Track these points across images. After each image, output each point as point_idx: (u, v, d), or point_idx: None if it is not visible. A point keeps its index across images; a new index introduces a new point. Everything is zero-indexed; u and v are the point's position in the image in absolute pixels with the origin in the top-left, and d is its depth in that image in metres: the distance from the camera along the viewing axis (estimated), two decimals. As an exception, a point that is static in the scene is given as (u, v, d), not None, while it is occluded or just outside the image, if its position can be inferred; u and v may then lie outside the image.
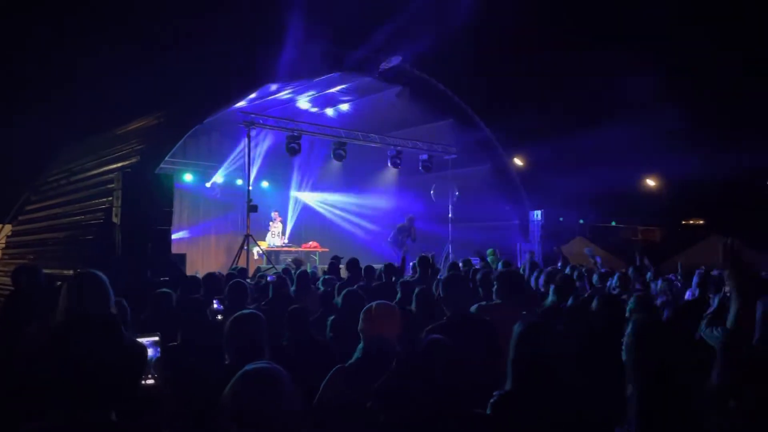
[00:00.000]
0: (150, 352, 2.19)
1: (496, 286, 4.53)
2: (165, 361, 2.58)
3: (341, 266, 9.28)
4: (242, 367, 1.97)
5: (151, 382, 2.19)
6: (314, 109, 15.49)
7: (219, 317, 4.53)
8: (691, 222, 20.61)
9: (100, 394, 1.68)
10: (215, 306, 4.62)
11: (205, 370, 2.89)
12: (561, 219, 16.66)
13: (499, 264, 8.38)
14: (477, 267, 8.55)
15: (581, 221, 17.49)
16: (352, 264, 7.86)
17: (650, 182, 17.46)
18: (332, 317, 4.50)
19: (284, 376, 1.95)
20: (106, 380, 1.68)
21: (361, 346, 3.02)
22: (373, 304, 3.15)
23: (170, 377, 2.53)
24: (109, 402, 1.70)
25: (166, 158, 10.88)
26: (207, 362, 3.04)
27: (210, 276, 6.16)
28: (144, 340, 2.10)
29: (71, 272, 7.54)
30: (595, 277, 7.76)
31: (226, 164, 15.71)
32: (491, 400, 2.60)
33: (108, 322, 1.79)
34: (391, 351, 2.97)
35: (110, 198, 9.09)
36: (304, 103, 15.01)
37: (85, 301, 2.68)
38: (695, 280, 6.74)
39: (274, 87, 12.65)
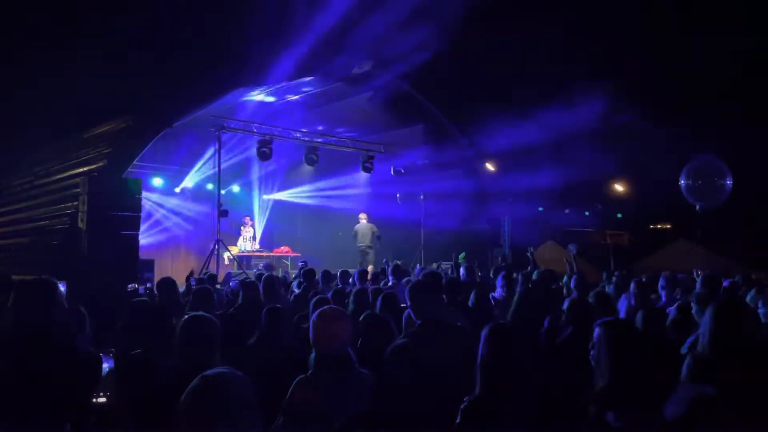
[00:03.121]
0: (104, 367, 2.13)
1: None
2: (122, 374, 2.52)
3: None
4: (191, 372, 1.93)
5: (102, 400, 2.10)
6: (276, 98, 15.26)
7: None
8: (659, 226, 20.95)
9: (52, 405, 1.63)
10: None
11: (160, 379, 2.83)
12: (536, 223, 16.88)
13: (462, 268, 8.42)
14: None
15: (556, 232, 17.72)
16: (308, 273, 7.75)
17: (619, 187, 17.73)
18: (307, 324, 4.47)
19: (243, 383, 1.92)
20: (57, 391, 1.64)
21: (313, 355, 2.96)
22: (324, 308, 3.10)
23: (125, 391, 2.46)
24: (62, 413, 1.66)
25: (135, 162, 10.72)
26: (163, 370, 2.97)
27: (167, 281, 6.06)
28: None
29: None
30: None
31: (195, 168, 15.50)
32: (461, 407, 2.59)
33: (60, 333, 1.74)
34: (344, 356, 2.95)
35: (76, 202, 8.92)
36: (274, 105, 14.94)
37: (33, 308, 2.60)
38: (661, 283, 6.80)
39: (245, 92, 12.58)
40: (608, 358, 2.71)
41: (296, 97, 13.90)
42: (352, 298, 5.12)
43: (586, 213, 18.37)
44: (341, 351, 2.94)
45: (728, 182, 9.62)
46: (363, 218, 15.53)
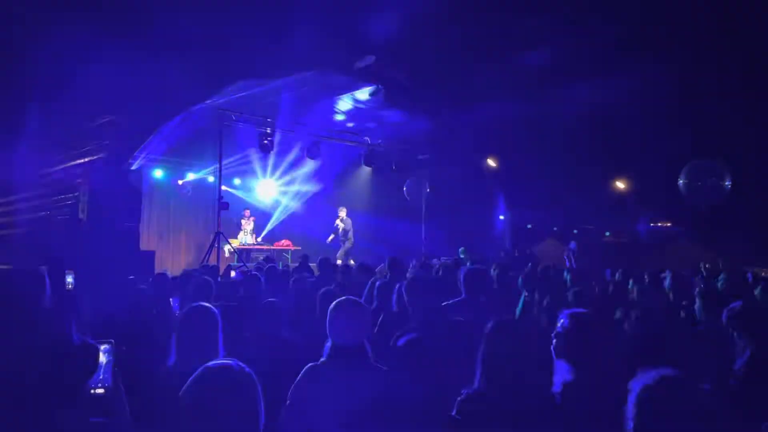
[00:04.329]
0: (102, 359, 2.11)
1: (462, 283, 4.55)
2: (117, 365, 2.50)
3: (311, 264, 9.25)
4: (191, 363, 1.91)
5: (101, 391, 2.08)
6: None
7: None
8: (659, 225, 20.95)
9: (46, 395, 1.62)
10: (173, 305, 4.50)
11: (155, 370, 2.82)
12: (529, 226, 16.93)
13: (468, 263, 8.43)
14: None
15: (555, 228, 17.78)
16: (324, 263, 7.83)
17: (620, 185, 17.70)
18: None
19: (248, 375, 1.91)
20: (50, 381, 1.62)
21: (328, 344, 2.96)
22: (342, 299, 3.10)
23: (122, 382, 2.44)
24: (57, 403, 1.65)
25: (136, 154, 10.70)
26: (157, 362, 2.96)
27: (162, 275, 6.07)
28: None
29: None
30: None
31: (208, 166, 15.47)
32: (458, 399, 2.58)
33: (53, 322, 1.73)
34: (358, 348, 2.94)
35: (77, 193, 8.90)
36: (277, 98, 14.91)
37: (20, 299, 2.57)
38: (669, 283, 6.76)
39: (246, 83, 12.54)
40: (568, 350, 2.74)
41: (300, 90, 13.87)
42: (376, 292, 5.09)
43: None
44: (356, 343, 2.92)
45: (728, 183, 9.66)
46: (344, 212, 15.45)
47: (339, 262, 10.96)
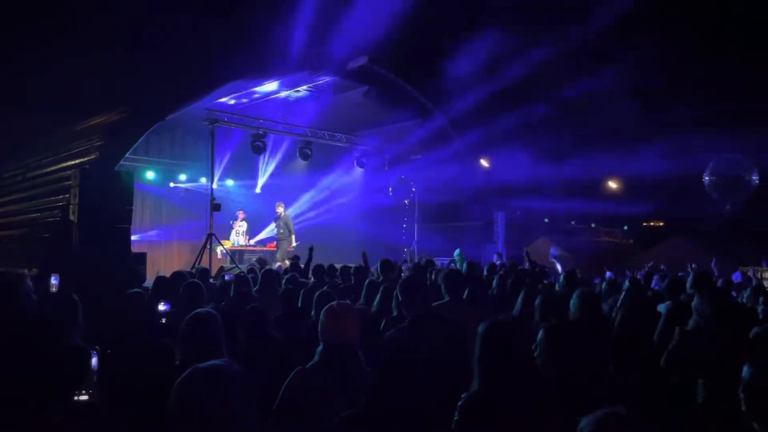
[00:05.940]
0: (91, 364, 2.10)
1: (442, 285, 4.57)
2: (104, 370, 2.49)
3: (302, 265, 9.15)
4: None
5: (85, 398, 2.06)
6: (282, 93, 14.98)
7: (163, 320, 4.37)
8: (652, 224, 21.06)
9: (39, 399, 1.61)
10: (162, 307, 4.45)
11: (149, 374, 2.81)
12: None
13: (464, 264, 8.40)
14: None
15: (546, 220, 17.83)
16: (317, 269, 7.77)
17: (612, 184, 17.77)
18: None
19: (238, 375, 1.90)
20: (44, 384, 1.62)
21: (320, 348, 2.96)
22: (334, 303, 3.10)
23: (109, 386, 2.43)
24: (50, 407, 1.64)
25: (127, 155, 10.65)
26: (151, 365, 2.96)
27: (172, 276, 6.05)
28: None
29: (26, 271, 7.39)
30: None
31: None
32: (459, 403, 2.57)
33: (43, 327, 1.72)
34: (352, 352, 2.94)
35: (68, 195, 8.85)
36: (269, 99, 14.87)
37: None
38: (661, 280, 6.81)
39: (239, 87, 12.51)
40: (549, 359, 2.75)
41: (291, 91, 13.85)
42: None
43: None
44: (346, 345, 2.93)
45: (755, 178, 9.70)
46: (282, 208, 14.52)
47: (279, 264, 10.16)
